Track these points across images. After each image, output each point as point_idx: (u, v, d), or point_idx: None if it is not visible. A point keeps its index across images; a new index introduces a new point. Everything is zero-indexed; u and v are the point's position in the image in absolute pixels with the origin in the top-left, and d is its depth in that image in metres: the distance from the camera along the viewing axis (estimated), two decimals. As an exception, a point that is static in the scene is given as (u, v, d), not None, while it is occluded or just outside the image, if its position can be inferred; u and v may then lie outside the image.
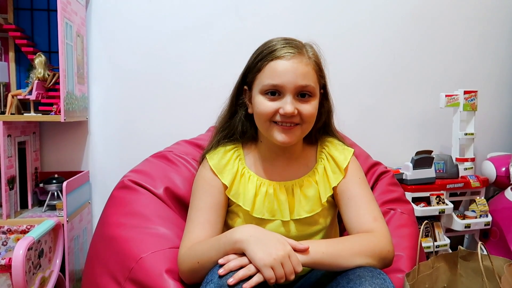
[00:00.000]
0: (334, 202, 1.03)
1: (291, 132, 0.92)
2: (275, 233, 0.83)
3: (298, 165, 1.03)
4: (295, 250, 0.80)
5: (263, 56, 0.93)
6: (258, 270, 0.76)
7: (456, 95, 1.85)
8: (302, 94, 0.92)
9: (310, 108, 0.93)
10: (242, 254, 0.80)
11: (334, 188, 1.00)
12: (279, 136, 0.93)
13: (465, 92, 1.85)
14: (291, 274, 0.77)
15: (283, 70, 0.90)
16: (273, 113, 0.92)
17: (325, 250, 0.82)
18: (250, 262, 0.77)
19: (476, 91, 1.87)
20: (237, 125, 1.02)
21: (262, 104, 0.93)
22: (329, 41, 1.85)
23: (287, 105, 0.90)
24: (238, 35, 1.77)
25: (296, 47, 0.93)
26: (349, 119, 1.87)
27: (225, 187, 0.98)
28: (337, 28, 1.88)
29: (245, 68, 0.99)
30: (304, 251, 0.80)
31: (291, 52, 0.91)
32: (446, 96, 1.84)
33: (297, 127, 0.93)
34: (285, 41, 0.94)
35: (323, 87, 1.00)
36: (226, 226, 1.01)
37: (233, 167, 1.00)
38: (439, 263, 1.05)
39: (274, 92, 0.92)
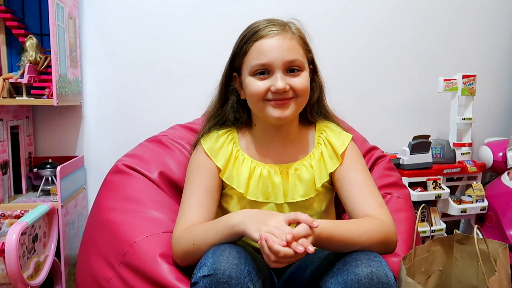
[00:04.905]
0: (331, 188, 1.02)
1: (285, 106, 0.92)
2: (270, 210, 0.81)
3: (294, 148, 1.02)
4: (300, 221, 0.76)
5: (247, 39, 0.93)
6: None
7: (455, 79, 1.83)
8: (291, 69, 0.91)
9: (301, 80, 0.92)
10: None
11: (332, 174, 0.99)
12: (274, 112, 0.92)
13: (464, 77, 1.83)
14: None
15: (269, 48, 0.90)
16: (265, 92, 0.91)
17: (331, 226, 0.80)
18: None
19: (475, 76, 1.85)
20: (229, 112, 1.01)
21: (252, 85, 0.92)
22: (326, 24, 1.83)
23: (278, 81, 0.89)
24: (234, 19, 1.74)
25: (279, 24, 0.94)
26: (346, 104, 1.85)
27: (219, 170, 0.98)
28: (334, 11, 1.84)
29: (232, 54, 0.99)
30: (312, 225, 0.76)
31: (274, 30, 0.92)
32: (444, 80, 1.82)
33: (292, 101, 0.92)
34: (267, 21, 0.95)
35: (312, 62, 0.99)
36: (221, 209, 1.01)
37: (227, 150, 0.99)
38: (435, 247, 1.06)
39: (263, 72, 0.91)
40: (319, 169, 0.99)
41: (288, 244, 0.71)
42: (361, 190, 0.94)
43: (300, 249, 0.71)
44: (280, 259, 0.72)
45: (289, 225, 0.76)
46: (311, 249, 0.72)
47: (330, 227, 0.80)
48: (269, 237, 0.72)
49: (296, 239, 0.72)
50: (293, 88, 0.91)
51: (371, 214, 0.89)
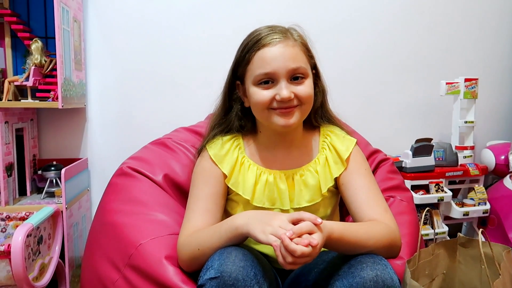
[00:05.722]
0: (336, 192, 1.03)
1: (290, 114, 0.92)
2: (273, 211, 0.82)
3: (299, 154, 1.02)
4: (304, 219, 0.76)
5: (249, 47, 0.93)
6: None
7: (457, 82, 1.84)
8: (295, 77, 0.92)
9: (305, 88, 0.92)
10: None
11: (337, 179, 0.99)
12: (279, 120, 0.92)
13: (466, 80, 1.84)
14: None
15: (272, 56, 0.90)
16: (270, 101, 0.91)
17: (342, 227, 0.80)
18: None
19: (477, 79, 1.86)
20: (233, 120, 1.01)
21: (257, 94, 0.92)
22: (329, 27, 1.84)
23: (283, 90, 0.90)
24: (238, 23, 1.74)
25: (281, 32, 0.93)
26: (349, 107, 1.86)
27: (225, 176, 0.98)
28: (337, 14, 1.85)
29: (234, 63, 0.99)
30: (316, 222, 0.76)
31: (276, 38, 0.91)
32: (446, 83, 1.82)
33: (296, 108, 0.93)
34: (269, 29, 0.94)
35: (314, 67, 1.00)
36: (226, 215, 1.01)
37: (232, 156, 0.99)
38: (438, 250, 1.06)
39: (268, 81, 0.91)
40: (324, 174, 0.99)
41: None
42: (366, 194, 0.94)
43: (304, 241, 0.71)
44: (296, 260, 0.71)
45: (293, 224, 0.77)
46: (314, 241, 0.72)
47: (341, 228, 0.80)
48: (285, 237, 0.72)
49: (298, 235, 0.73)
50: (298, 96, 0.91)
51: (375, 219, 0.90)
